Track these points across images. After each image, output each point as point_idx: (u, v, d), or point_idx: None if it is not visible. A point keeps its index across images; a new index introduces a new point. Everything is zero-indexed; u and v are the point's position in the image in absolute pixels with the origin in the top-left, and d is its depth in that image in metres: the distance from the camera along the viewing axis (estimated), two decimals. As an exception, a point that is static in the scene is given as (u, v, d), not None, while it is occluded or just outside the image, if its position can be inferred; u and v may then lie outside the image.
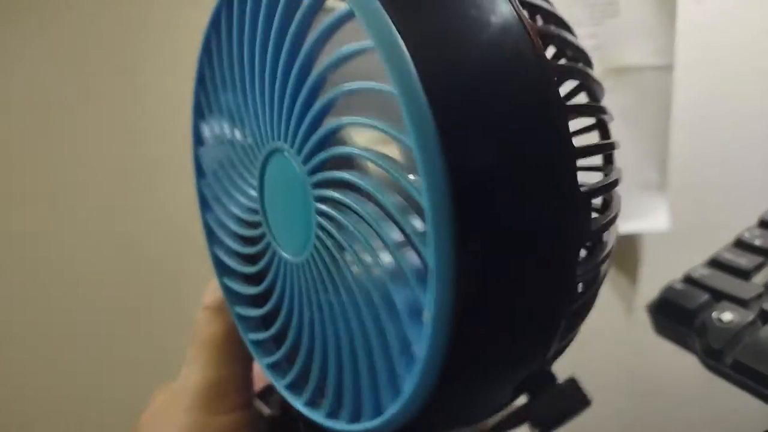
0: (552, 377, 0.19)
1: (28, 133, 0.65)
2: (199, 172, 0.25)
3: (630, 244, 0.68)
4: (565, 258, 0.17)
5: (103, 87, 0.64)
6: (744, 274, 0.35)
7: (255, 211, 0.22)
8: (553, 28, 0.18)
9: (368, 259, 0.17)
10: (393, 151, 0.20)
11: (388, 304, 0.17)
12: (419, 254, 0.16)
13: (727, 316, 0.32)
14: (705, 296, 0.34)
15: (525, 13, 0.16)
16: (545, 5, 0.19)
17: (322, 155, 0.18)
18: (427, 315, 0.15)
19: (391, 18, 0.15)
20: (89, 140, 0.65)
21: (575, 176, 0.16)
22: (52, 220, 0.66)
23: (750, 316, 0.32)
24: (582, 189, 0.17)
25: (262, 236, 0.22)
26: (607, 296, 0.68)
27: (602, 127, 0.21)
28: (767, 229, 0.38)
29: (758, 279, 0.35)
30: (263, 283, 0.22)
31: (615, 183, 0.19)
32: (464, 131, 0.15)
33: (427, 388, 0.16)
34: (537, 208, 0.16)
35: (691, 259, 0.37)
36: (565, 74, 0.18)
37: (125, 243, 0.67)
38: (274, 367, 0.23)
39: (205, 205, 0.25)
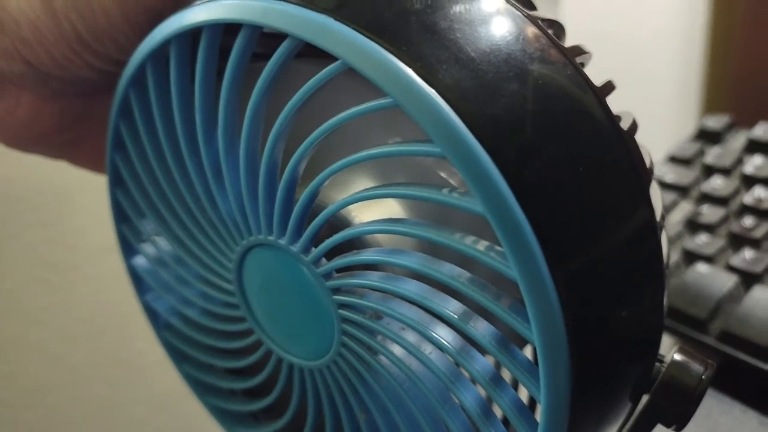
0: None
1: None
2: (140, 286, 0.21)
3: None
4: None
5: None
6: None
7: (235, 319, 0.19)
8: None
9: (414, 362, 0.15)
10: (392, 208, 0.18)
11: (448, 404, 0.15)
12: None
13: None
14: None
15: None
16: None
17: (343, 260, 0.15)
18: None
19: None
20: None
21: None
22: None
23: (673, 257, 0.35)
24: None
25: (253, 344, 0.19)
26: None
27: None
28: (677, 165, 0.40)
29: (675, 217, 0.37)
30: (256, 378, 0.19)
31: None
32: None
33: None
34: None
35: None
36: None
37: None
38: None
39: (159, 320, 0.21)
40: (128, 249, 0.20)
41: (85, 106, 0.20)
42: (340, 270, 0.15)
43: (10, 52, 0.18)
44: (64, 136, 0.21)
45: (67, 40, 0.17)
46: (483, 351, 0.14)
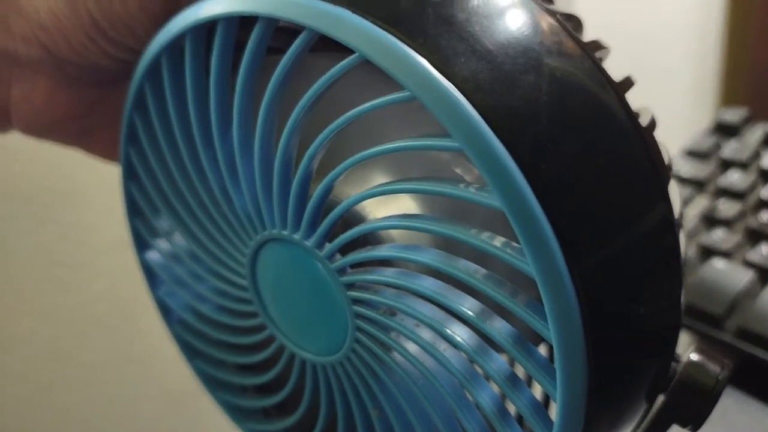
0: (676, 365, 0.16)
1: None
2: (153, 281, 0.21)
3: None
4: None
5: None
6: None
7: (248, 315, 0.19)
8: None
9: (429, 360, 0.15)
10: (406, 204, 0.17)
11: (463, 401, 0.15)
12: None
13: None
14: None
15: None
16: None
17: (358, 256, 0.15)
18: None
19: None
20: None
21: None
22: None
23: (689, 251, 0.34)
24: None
25: (266, 340, 0.19)
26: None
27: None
28: (693, 159, 0.40)
29: (691, 212, 0.37)
30: (269, 374, 0.19)
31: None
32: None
33: None
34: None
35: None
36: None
37: None
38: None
39: (172, 315, 0.21)
40: (141, 243, 0.20)
41: (100, 94, 0.20)
42: (355, 266, 0.15)
43: (29, 37, 0.18)
44: (79, 124, 0.21)
45: (84, 27, 0.17)
46: (498, 349, 0.14)
